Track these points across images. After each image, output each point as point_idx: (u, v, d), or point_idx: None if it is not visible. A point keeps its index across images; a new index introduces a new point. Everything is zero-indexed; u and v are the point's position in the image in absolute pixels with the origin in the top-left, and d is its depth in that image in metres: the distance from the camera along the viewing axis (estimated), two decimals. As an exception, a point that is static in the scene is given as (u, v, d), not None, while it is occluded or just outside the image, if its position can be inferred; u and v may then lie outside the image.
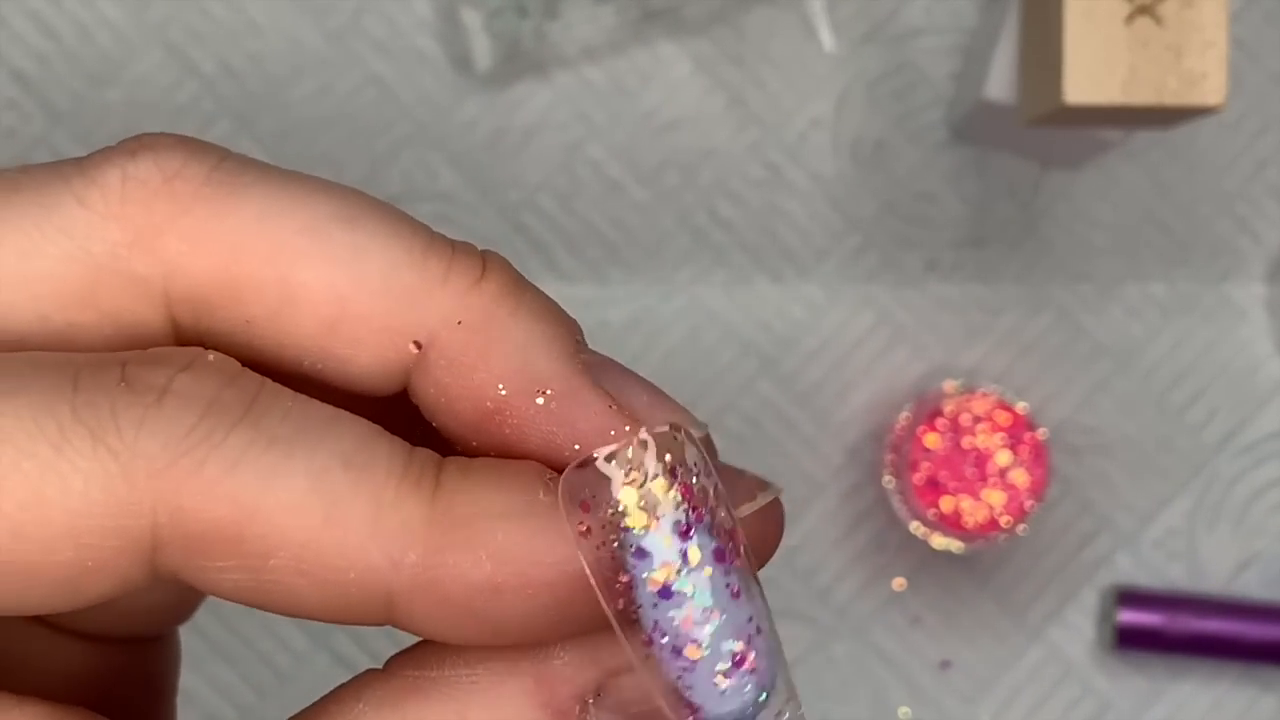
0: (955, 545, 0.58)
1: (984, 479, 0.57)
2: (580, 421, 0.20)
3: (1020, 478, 0.57)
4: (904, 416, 0.59)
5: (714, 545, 0.19)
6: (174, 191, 0.20)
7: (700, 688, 0.20)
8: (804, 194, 0.61)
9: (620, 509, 0.19)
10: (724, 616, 0.19)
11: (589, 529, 0.19)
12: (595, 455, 0.20)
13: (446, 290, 0.20)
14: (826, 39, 0.60)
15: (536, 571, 0.19)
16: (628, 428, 0.20)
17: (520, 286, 0.21)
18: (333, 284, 0.20)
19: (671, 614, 0.19)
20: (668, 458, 0.20)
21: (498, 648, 0.20)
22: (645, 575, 0.19)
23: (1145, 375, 0.62)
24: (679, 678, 0.19)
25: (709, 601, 0.19)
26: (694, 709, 0.20)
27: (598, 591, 0.19)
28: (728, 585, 0.19)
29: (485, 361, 0.20)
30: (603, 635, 0.20)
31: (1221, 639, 0.60)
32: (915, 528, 0.59)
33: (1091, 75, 0.47)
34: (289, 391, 0.20)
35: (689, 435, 0.20)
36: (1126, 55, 0.47)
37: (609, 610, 0.19)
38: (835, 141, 0.62)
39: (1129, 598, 0.60)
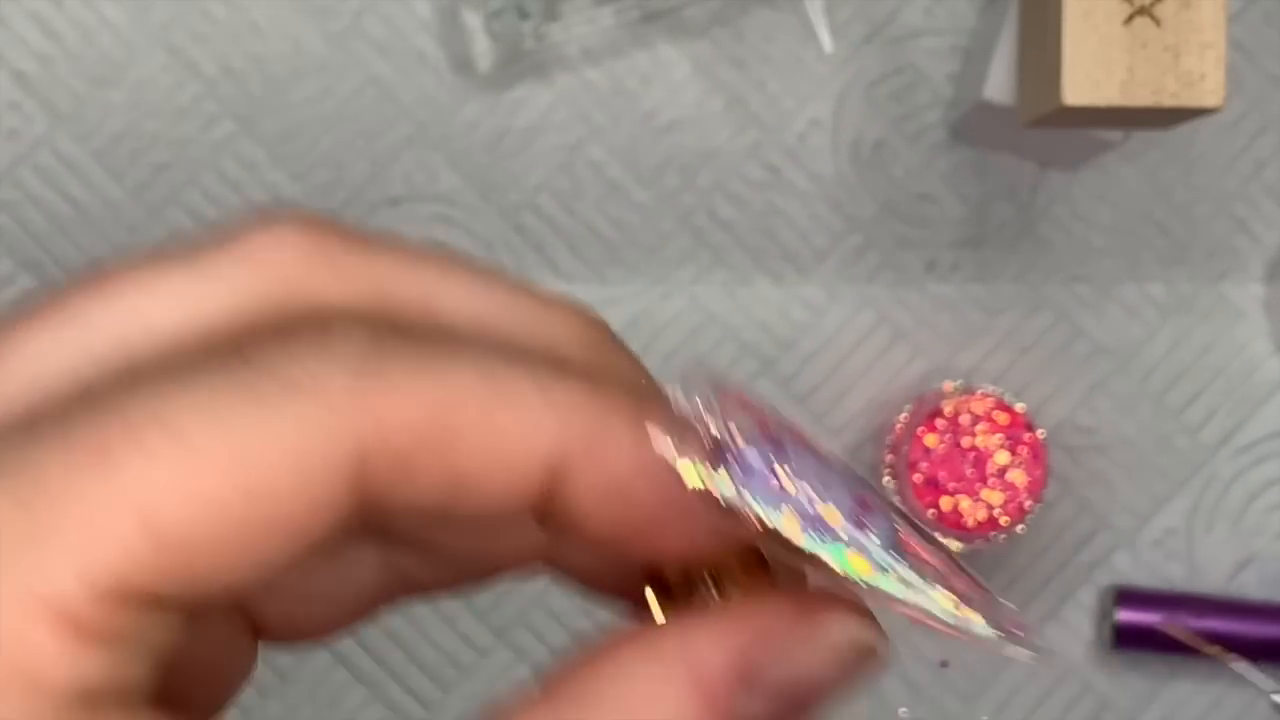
0: (954, 545, 0.58)
1: (983, 479, 0.57)
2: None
3: (1019, 477, 0.57)
4: (903, 416, 0.59)
5: (789, 430, 0.21)
6: (321, 241, 0.22)
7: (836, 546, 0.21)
8: (803, 195, 0.62)
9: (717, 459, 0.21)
10: (820, 484, 0.21)
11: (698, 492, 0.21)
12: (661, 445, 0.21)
13: (565, 311, 0.23)
14: (826, 40, 0.60)
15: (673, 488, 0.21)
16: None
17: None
18: (475, 308, 0.22)
19: (797, 515, 0.21)
20: (703, 405, 0.21)
21: (649, 654, 0.21)
22: (760, 511, 0.21)
23: (1144, 375, 0.62)
24: (829, 539, 0.21)
25: (805, 473, 0.21)
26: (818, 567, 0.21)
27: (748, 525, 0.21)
28: (817, 458, 0.21)
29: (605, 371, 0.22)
30: (738, 612, 0.22)
31: (1219, 638, 0.60)
32: (914, 527, 0.59)
33: (1090, 76, 0.47)
34: (429, 314, 0.22)
35: (706, 373, 0.22)
36: (1125, 56, 0.47)
37: (762, 547, 0.21)
38: (835, 142, 0.62)
39: (1127, 597, 0.60)
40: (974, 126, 0.60)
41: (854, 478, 0.22)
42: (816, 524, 0.21)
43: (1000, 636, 0.22)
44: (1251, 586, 0.62)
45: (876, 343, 0.62)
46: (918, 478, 0.57)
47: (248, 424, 0.19)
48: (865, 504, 0.21)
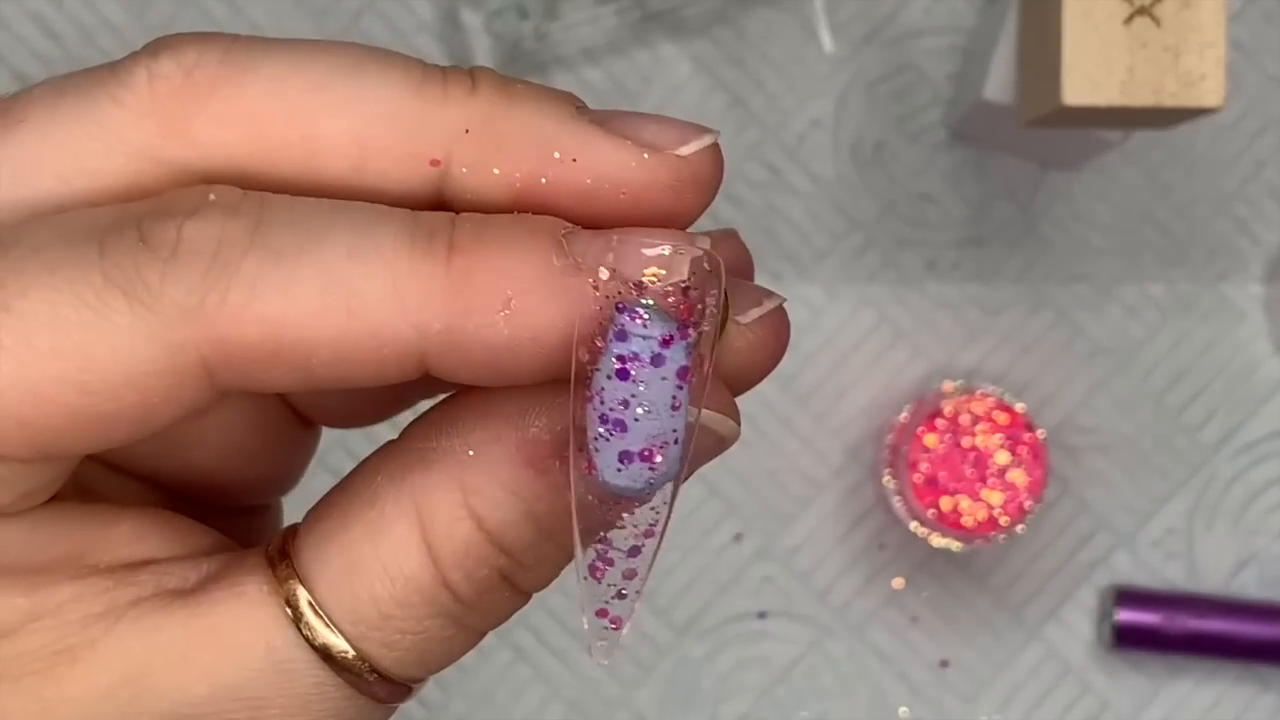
0: (954, 545, 0.58)
1: (983, 479, 0.57)
2: (603, 163, 0.22)
3: (1019, 477, 0.57)
4: (903, 416, 0.59)
5: (683, 363, 0.21)
6: (194, 81, 0.23)
7: (605, 456, 0.22)
8: (804, 195, 0.62)
9: (629, 292, 0.21)
10: (655, 419, 0.22)
11: (596, 288, 0.21)
12: (636, 240, 0.22)
13: (447, 107, 0.22)
14: (826, 40, 0.60)
15: (548, 334, 0.21)
16: (666, 246, 0.22)
17: (509, 82, 0.23)
18: (348, 128, 0.22)
19: (618, 393, 0.21)
20: (690, 275, 0.21)
21: (486, 418, 0.23)
22: (614, 352, 0.21)
23: (1144, 375, 0.62)
24: (595, 440, 0.22)
25: (651, 401, 0.21)
26: (592, 467, 0.22)
27: (574, 342, 0.21)
28: (673, 397, 0.22)
29: (500, 152, 0.22)
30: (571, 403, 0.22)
31: (1219, 638, 0.60)
32: (914, 527, 0.59)
33: (1090, 76, 0.47)
34: (287, 200, 0.22)
35: (716, 263, 0.22)
36: (1125, 56, 0.47)
37: (574, 358, 0.22)
38: (835, 142, 0.62)
39: (1127, 597, 0.60)
40: (974, 126, 0.60)
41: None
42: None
43: (596, 617, 0.23)
44: (1251, 586, 0.62)
45: (877, 342, 0.62)
46: (918, 477, 0.57)
47: (88, 333, 0.21)
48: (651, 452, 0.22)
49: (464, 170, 0.23)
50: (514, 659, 0.61)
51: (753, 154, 0.62)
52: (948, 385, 0.59)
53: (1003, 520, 0.57)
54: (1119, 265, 0.62)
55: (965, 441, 0.57)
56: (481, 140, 0.22)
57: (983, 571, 0.62)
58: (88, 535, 0.23)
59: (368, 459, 0.24)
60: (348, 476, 0.24)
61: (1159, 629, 0.60)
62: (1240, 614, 0.60)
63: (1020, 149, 0.61)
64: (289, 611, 0.23)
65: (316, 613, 0.23)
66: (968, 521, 0.57)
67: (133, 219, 0.22)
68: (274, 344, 0.21)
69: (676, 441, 0.22)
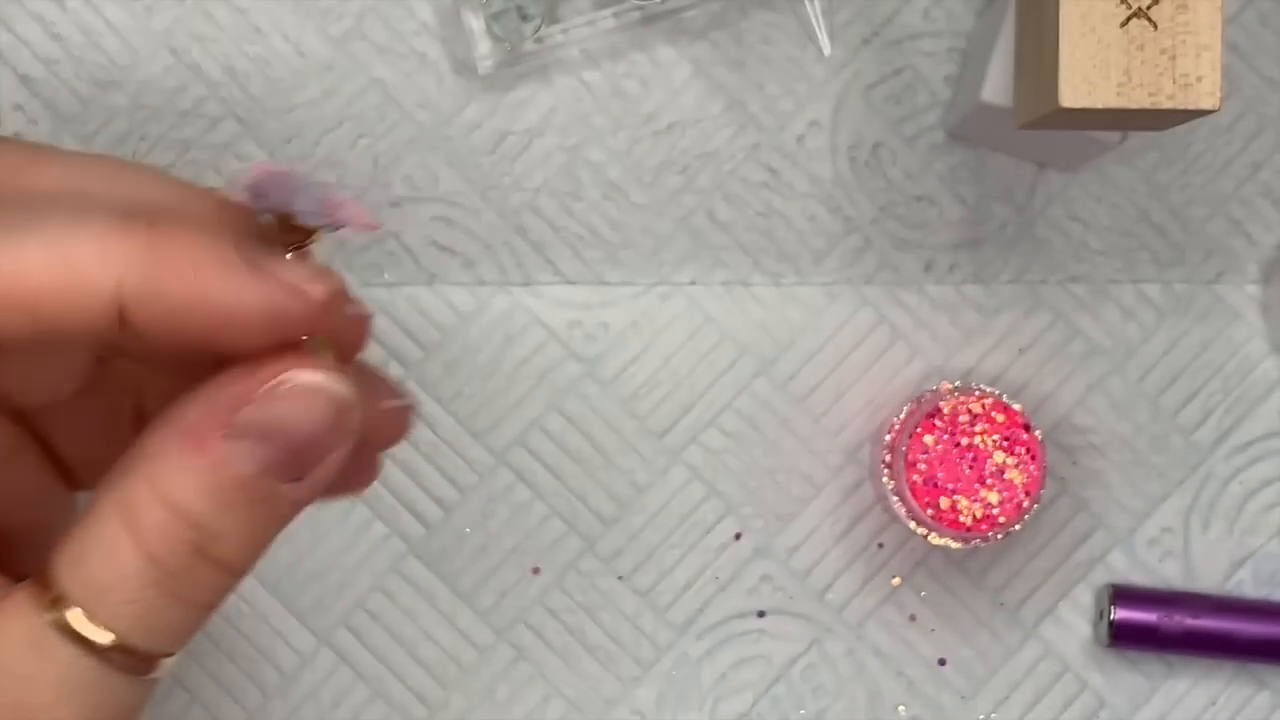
0: (952, 543, 0.59)
1: (981, 478, 0.57)
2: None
3: (1016, 477, 0.57)
4: (902, 416, 0.59)
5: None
6: None
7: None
8: (802, 196, 0.62)
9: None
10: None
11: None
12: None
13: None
14: (824, 43, 0.61)
15: (218, 297, 0.28)
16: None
17: None
18: (67, 174, 0.30)
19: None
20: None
21: (157, 428, 0.29)
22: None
23: (1140, 375, 0.62)
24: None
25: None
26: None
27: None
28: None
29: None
30: (223, 390, 0.29)
31: (1216, 636, 0.60)
32: (913, 526, 0.59)
33: (1087, 79, 0.47)
34: (21, 182, 0.29)
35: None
36: (1122, 59, 0.47)
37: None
38: (833, 144, 0.62)
39: (1124, 595, 0.60)
40: (972, 128, 0.60)
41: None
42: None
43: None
44: (1248, 585, 0.62)
45: (875, 343, 0.62)
46: (916, 477, 0.57)
47: None
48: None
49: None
50: (515, 657, 0.61)
51: (751, 156, 0.62)
52: (945, 385, 0.60)
53: (1000, 519, 0.57)
54: (1115, 266, 0.62)
55: (963, 441, 0.57)
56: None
57: (980, 570, 0.62)
58: None
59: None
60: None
61: (1156, 627, 0.60)
62: (1236, 612, 0.60)
63: (1018, 151, 0.62)
64: (43, 604, 0.28)
65: (59, 599, 0.28)
66: (966, 520, 0.57)
67: None
68: (6, 291, 0.27)
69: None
